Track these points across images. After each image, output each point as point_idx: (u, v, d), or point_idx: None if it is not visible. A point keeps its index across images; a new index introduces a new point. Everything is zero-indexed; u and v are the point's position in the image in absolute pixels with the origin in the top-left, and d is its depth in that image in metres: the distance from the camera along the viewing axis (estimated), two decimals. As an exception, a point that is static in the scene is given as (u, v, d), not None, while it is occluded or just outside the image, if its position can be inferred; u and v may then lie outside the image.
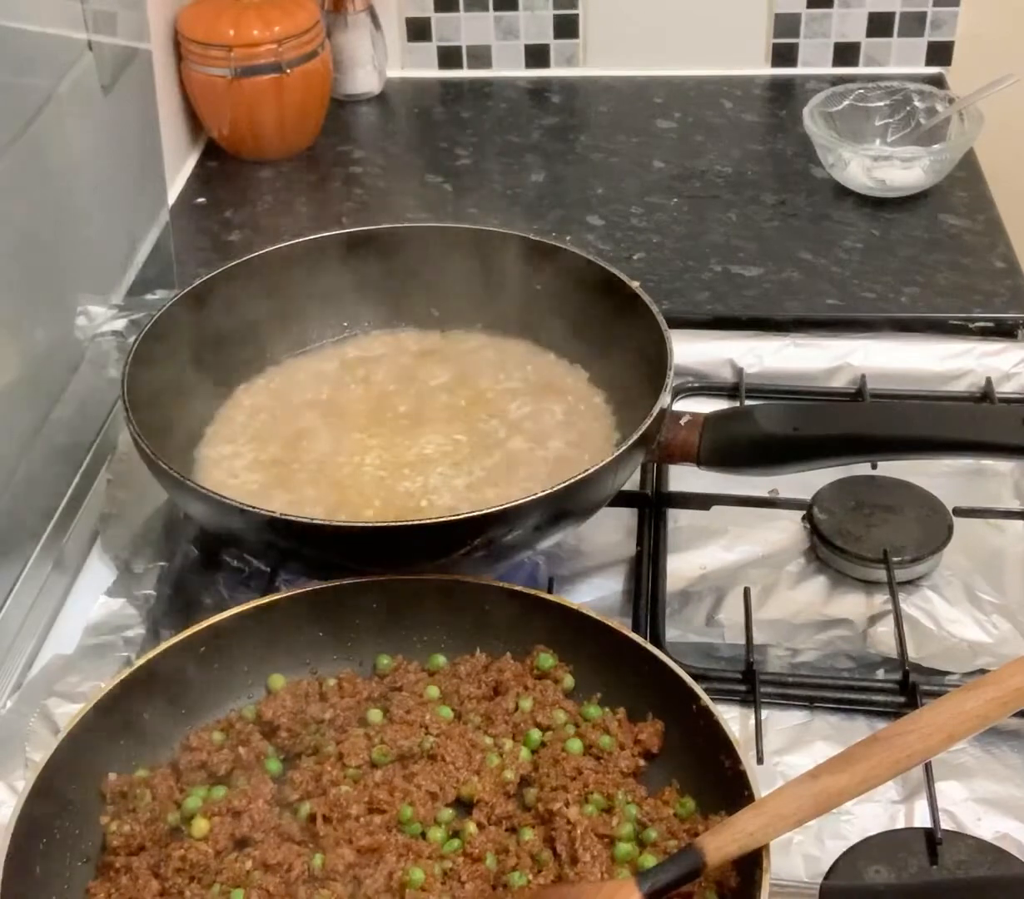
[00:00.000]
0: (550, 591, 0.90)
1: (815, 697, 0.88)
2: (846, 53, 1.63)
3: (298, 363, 1.06)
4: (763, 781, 0.74)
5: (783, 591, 0.97)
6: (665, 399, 0.88)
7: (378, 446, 0.98)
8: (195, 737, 0.81)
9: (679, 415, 0.92)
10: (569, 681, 0.84)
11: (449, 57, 1.67)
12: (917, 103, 1.43)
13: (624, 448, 0.85)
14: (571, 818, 0.75)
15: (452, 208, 1.42)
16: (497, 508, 0.81)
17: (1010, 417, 0.89)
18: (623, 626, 0.82)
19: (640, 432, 0.86)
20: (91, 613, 0.93)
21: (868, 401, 1.09)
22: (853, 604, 0.95)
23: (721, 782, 0.74)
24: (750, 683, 0.88)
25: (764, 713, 0.86)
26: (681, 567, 0.98)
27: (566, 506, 0.85)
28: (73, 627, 0.93)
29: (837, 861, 0.76)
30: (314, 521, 0.81)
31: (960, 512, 0.99)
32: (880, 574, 0.95)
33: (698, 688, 0.78)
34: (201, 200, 1.46)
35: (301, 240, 1.04)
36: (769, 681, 0.88)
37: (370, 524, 0.86)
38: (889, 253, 1.32)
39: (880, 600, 0.95)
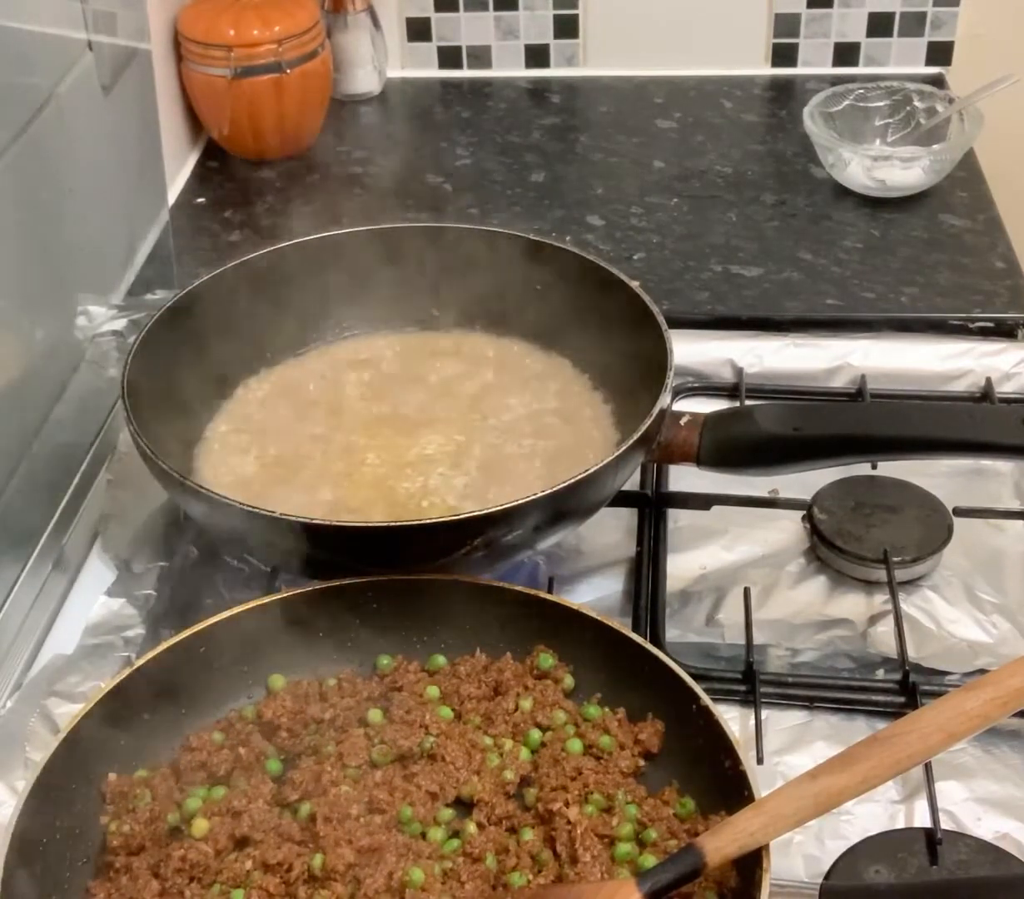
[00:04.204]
0: (550, 591, 0.90)
1: (815, 697, 0.88)
2: (846, 53, 1.63)
3: (298, 363, 1.06)
4: (763, 781, 0.74)
5: (783, 591, 0.97)
6: (665, 399, 0.88)
7: (378, 446, 0.98)
8: (195, 737, 0.80)
9: (679, 415, 0.92)
10: (569, 681, 0.84)
11: (449, 57, 1.67)
12: (917, 103, 1.43)
13: (624, 448, 0.85)
14: (571, 818, 0.75)
15: (452, 208, 1.42)
16: (497, 508, 0.81)
17: (1010, 417, 0.89)
18: (623, 626, 0.82)
19: (640, 432, 0.86)
20: (91, 613, 0.93)
21: (868, 401, 1.09)
22: (853, 604, 0.95)
23: (721, 782, 0.74)
24: (750, 683, 0.88)
25: (764, 713, 0.86)
26: (681, 567, 0.98)
27: (566, 506, 0.85)
28: (73, 627, 0.93)
29: (837, 861, 0.76)
30: (314, 521, 0.81)
31: (960, 512, 0.99)
32: (880, 574, 0.95)
33: (698, 688, 0.77)
34: (201, 200, 1.46)
35: (301, 240, 1.04)
36: (769, 681, 0.88)
37: (370, 524, 0.86)
38: (889, 253, 1.32)
39: (880, 600, 0.95)
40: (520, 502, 0.81)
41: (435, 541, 0.83)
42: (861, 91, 1.44)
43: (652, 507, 1.01)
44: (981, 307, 1.22)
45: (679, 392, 1.12)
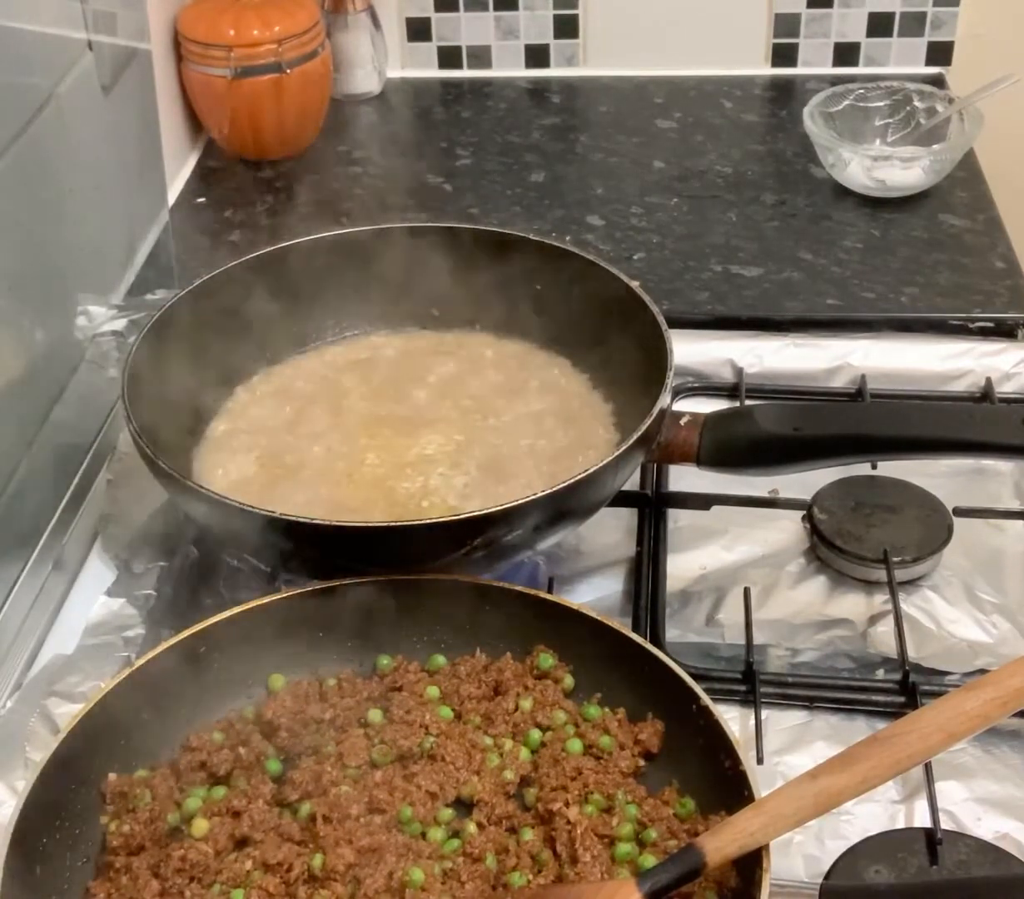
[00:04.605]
0: (550, 591, 0.90)
1: (815, 697, 0.88)
2: (846, 53, 1.63)
3: (298, 363, 1.06)
4: (763, 781, 0.74)
5: (783, 591, 0.97)
6: (665, 399, 0.88)
7: (378, 446, 0.97)
8: (195, 737, 0.80)
9: (679, 415, 0.92)
10: (569, 681, 0.84)
11: (449, 57, 1.67)
12: (917, 103, 1.43)
13: (624, 448, 0.85)
14: (571, 818, 0.75)
15: (452, 208, 1.42)
16: (497, 508, 0.81)
17: (1010, 417, 0.89)
18: (623, 626, 0.82)
19: (640, 432, 0.86)
20: (91, 613, 0.93)
21: (868, 401, 1.09)
22: (853, 604, 0.95)
23: (721, 782, 0.74)
24: (750, 683, 0.88)
25: (764, 713, 0.86)
26: (681, 567, 0.98)
27: (566, 506, 0.85)
28: (73, 627, 0.93)
29: (837, 861, 0.76)
30: (314, 521, 0.81)
31: (960, 512, 0.99)
32: (880, 574, 0.95)
33: (698, 688, 0.77)
34: (201, 200, 1.46)
35: (301, 240, 1.04)
36: (769, 681, 0.88)
37: (370, 524, 0.86)
38: (889, 253, 1.32)
39: (880, 600, 0.95)
40: (520, 502, 0.81)
41: (435, 541, 0.83)
42: (861, 91, 1.44)
43: (652, 507, 1.01)
44: (981, 307, 1.22)
45: (679, 392, 1.12)
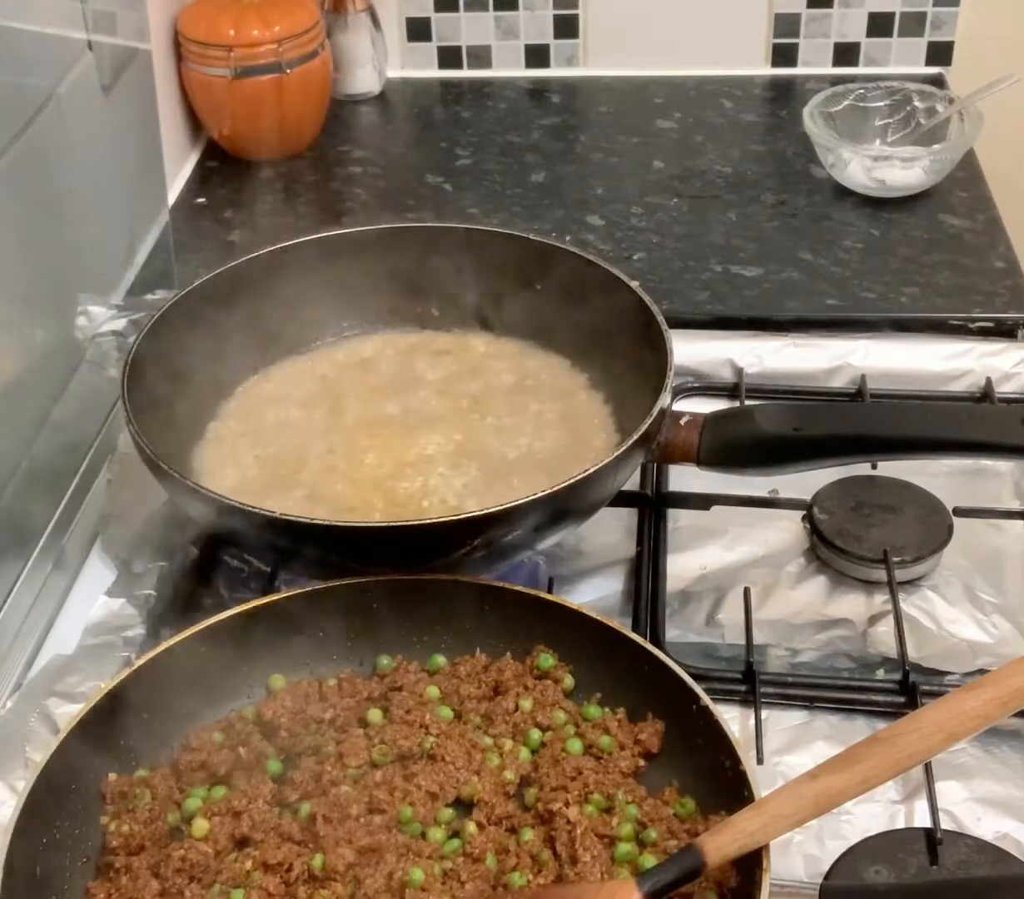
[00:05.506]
0: (550, 591, 0.90)
1: (815, 697, 0.88)
2: (846, 53, 1.63)
3: (298, 363, 1.06)
4: (763, 781, 0.73)
5: (783, 591, 0.97)
6: (665, 399, 0.88)
7: (378, 446, 0.97)
8: (195, 737, 0.80)
9: (679, 415, 0.92)
10: (569, 681, 0.84)
11: (449, 57, 1.67)
12: (917, 103, 1.43)
13: (624, 448, 0.85)
14: (571, 818, 0.75)
15: (452, 208, 1.42)
16: (497, 508, 0.81)
17: (1010, 417, 0.89)
18: (623, 626, 0.82)
19: (640, 432, 0.86)
20: (91, 613, 0.93)
21: (868, 401, 1.09)
22: (853, 604, 0.96)
23: (721, 782, 0.74)
24: (750, 683, 0.88)
25: (764, 713, 0.86)
26: (681, 567, 0.98)
27: (566, 506, 0.85)
28: (73, 627, 0.93)
29: (837, 861, 0.76)
30: (314, 521, 0.81)
31: (960, 512, 0.99)
32: (880, 574, 0.95)
33: (698, 688, 0.77)
34: (201, 200, 1.46)
35: (301, 240, 1.04)
36: (769, 681, 0.88)
37: (370, 524, 0.86)
38: (889, 253, 1.32)
39: (880, 600, 0.95)
40: (520, 502, 0.81)
41: (435, 541, 0.83)
42: (861, 91, 1.44)
43: (652, 507, 1.02)
44: (981, 307, 1.22)
45: (679, 392, 1.12)
